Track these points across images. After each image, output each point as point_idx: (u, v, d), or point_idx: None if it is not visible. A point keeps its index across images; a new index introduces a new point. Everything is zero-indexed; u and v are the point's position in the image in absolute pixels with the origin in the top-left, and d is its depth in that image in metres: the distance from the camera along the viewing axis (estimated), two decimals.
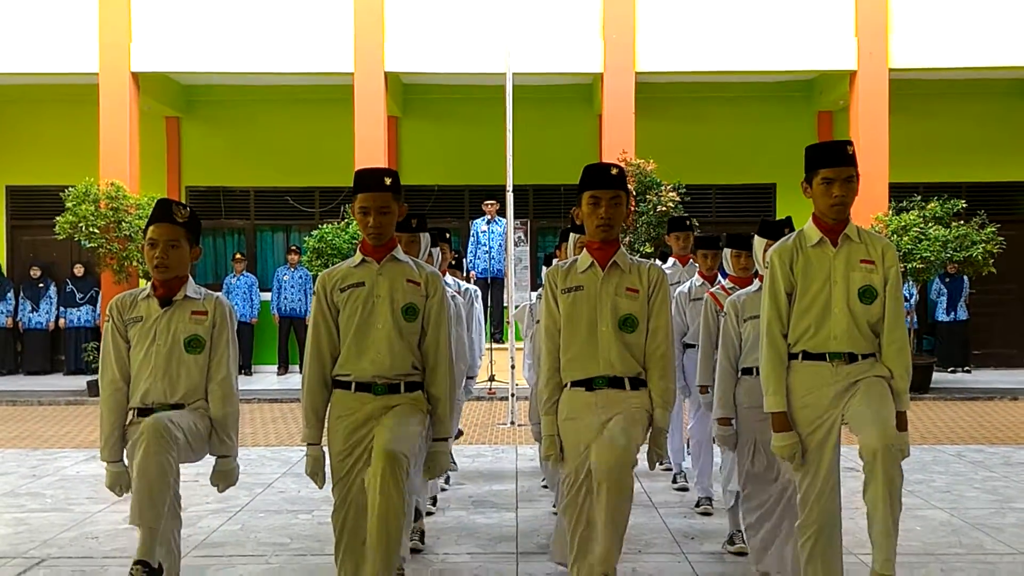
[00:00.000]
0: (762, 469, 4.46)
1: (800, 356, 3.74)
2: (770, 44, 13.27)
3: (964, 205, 12.41)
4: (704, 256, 6.30)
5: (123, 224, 12.53)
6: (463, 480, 7.08)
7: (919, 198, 12.57)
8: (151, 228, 3.78)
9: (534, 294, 8.98)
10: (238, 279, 14.37)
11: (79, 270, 14.70)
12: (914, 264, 11.77)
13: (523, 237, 14.67)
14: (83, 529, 5.68)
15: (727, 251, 5.34)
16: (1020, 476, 7.19)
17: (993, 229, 12.13)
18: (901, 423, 3.71)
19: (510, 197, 10.97)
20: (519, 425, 10.05)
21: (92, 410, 11.05)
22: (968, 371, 14.37)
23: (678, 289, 6.38)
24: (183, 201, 14.62)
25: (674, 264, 7.11)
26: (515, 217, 11.51)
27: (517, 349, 10.66)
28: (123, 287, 12.51)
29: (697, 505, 6.07)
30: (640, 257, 3.94)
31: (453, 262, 7.22)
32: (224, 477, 3.93)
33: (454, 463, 7.19)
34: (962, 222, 12.21)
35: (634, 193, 12.46)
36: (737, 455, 4.64)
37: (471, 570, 4.89)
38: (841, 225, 3.76)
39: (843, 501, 3.84)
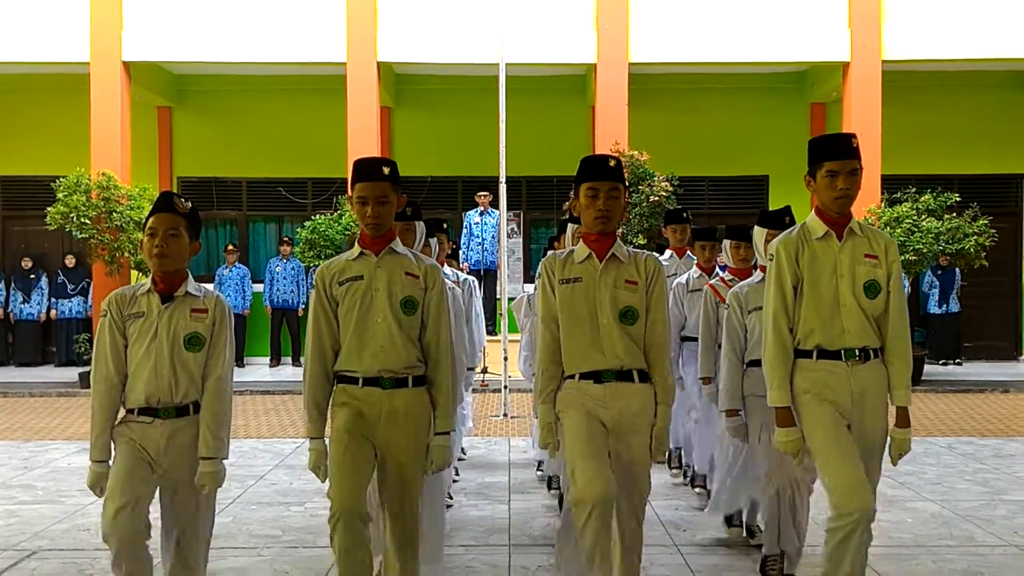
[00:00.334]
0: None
1: (815, 354, 3.69)
2: (763, 35, 13.26)
3: (957, 198, 12.43)
4: (702, 248, 6.30)
5: (114, 215, 12.47)
6: (457, 473, 7.08)
7: (912, 190, 12.59)
8: (151, 218, 3.70)
9: (529, 286, 8.97)
10: (230, 270, 14.33)
11: (70, 261, 14.65)
12: (906, 256, 11.79)
13: (516, 229, 14.69)
14: (74, 521, 5.67)
15: (727, 242, 5.33)
16: (1010, 468, 7.23)
17: (985, 222, 12.16)
18: (903, 419, 3.71)
19: (503, 188, 10.95)
20: (512, 417, 10.06)
21: (83, 402, 11.02)
22: (959, 363, 14.41)
23: (676, 281, 6.36)
24: (175, 191, 14.68)
25: (671, 256, 7.09)
26: (508, 209, 11.49)
27: (510, 341, 10.66)
28: (115, 278, 12.48)
29: (692, 482, 6.07)
30: (634, 248, 3.91)
31: (450, 252, 7.21)
32: (211, 479, 3.74)
33: (464, 453, 7.20)
34: (955, 214, 12.24)
35: (627, 184, 12.44)
36: (749, 444, 4.65)
37: (464, 562, 4.89)
38: (845, 219, 3.74)
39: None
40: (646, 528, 5.42)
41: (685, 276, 6.40)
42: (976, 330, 14.98)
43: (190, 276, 3.82)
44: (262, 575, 4.70)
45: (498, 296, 12.15)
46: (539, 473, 6.84)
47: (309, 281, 12.91)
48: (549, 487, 6.32)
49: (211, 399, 3.74)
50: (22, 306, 14.62)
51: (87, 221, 12.32)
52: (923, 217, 12.10)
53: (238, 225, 15.50)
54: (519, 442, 8.42)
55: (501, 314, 10.99)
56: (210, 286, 3.92)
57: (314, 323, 3.75)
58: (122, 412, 3.80)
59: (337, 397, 3.75)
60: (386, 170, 3.72)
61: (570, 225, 5.52)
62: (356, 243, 3.81)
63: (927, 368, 13.11)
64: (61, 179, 12.57)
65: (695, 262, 6.47)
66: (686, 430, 6.41)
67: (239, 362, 14.24)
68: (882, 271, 3.71)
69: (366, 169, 3.72)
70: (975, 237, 11.99)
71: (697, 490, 6.31)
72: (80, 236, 12.54)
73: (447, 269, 6.17)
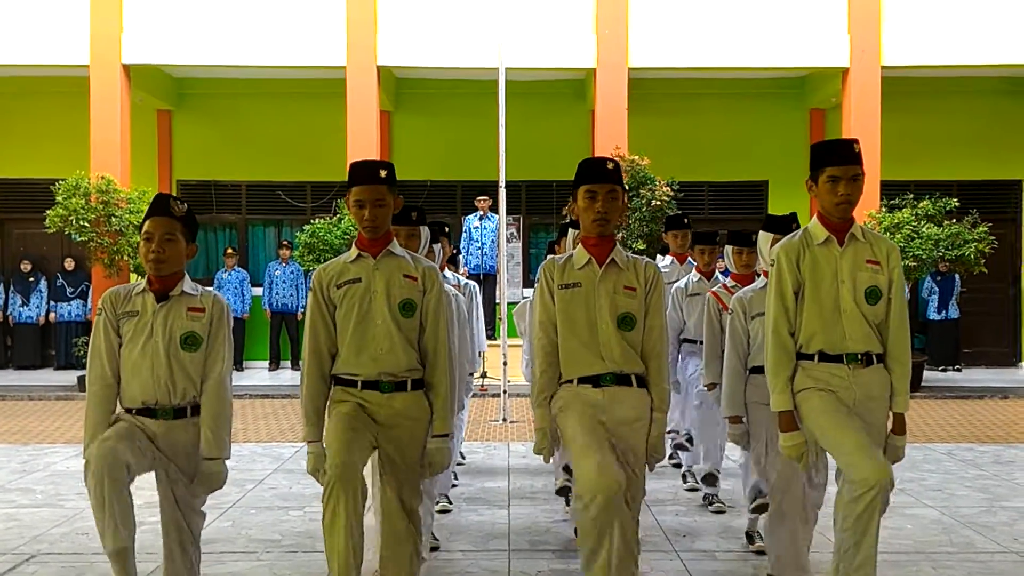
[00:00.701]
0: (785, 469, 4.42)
1: (816, 357, 3.70)
2: (763, 41, 13.27)
3: (956, 204, 12.43)
4: (702, 252, 6.30)
5: (113, 218, 12.46)
6: (456, 477, 7.06)
7: (911, 196, 12.60)
8: (147, 222, 3.70)
9: (530, 291, 8.95)
10: (229, 274, 14.31)
11: (70, 264, 14.64)
12: (906, 262, 11.78)
13: (515, 233, 14.68)
14: (73, 525, 5.65)
15: (729, 248, 5.32)
16: (1010, 474, 7.22)
17: (985, 228, 12.16)
18: (899, 427, 3.71)
19: (503, 193, 10.95)
20: (511, 422, 10.05)
21: (82, 405, 10.95)
22: (959, 370, 14.40)
23: (675, 285, 6.37)
24: (174, 195, 14.67)
25: (671, 262, 7.10)
26: (507, 213, 11.49)
27: (510, 346, 10.65)
28: (114, 281, 12.46)
29: (704, 479, 6.03)
30: (633, 254, 3.91)
31: (450, 256, 7.20)
32: (210, 480, 3.75)
33: (462, 457, 7.16)
34: (954, 220, 12.24)
35: (627, 189, 12.43)
36: (752, 453, 4.62)
37: (463, 567, 4.88)
38: (847, 224, 3.74)
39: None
40: (647, 533, 5.43)
41: (684, 280, 6.41)
42: (975, 336, 14.97)
43: (187, 276, 3.83)
44: None
45: (497, 301, 12.14)
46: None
47: (308, 285, 12.92)
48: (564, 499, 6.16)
49: (211, 399, 3.73)
50: (21, 309, 14.60)
51: (86, 224, 12.31)
52: (923, 223, 12.10)
53: (237, 229, 15.49)
54: (518, 447, 8.41)
55: (500, 319, 10.98)
56: (209, 290, 3.90)
57: (311, 326, 3.73)
58: (119, 409, 3.79)
59: (336, 395, 3.74)
60: (383, 173, 3.71)
61: (571, 230, 5.51)
62: (354, 245, 3.80)
63: (927, 374, 13.11)
64: (60, 182, 12.55)
65: (695, 267, 6.47)
66: (696, 422, 6.34)
67: (238, 366, 14.22)
68: (883, 277, 3.70)
69: (363, 172, 3.72)
70: (975, 243, 11.98)
71: (687, 485, 6.46)
72: (79, 239, 12.52)
73: (447, 273, 6.16)
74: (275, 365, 14.37)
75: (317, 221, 12.60)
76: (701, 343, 5.86)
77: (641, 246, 12.07)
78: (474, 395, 11.76)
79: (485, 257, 13.53)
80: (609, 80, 13.16)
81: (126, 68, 13.28)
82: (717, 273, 6.39)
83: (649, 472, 3.83)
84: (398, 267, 3.76)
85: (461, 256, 13.37)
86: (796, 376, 3.73)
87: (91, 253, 12.68)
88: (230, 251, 14.54)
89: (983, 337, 15.06)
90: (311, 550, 5.11)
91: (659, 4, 13.30)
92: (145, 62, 13.47)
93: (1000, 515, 5.94)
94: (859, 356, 3.66)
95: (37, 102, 14.86)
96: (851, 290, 3.68)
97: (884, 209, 12.56)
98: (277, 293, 14.23)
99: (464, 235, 13.85)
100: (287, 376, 13.66)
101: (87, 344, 3.85)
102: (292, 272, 14.16)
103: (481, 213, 13.71)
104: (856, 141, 3.78)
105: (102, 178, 12.66)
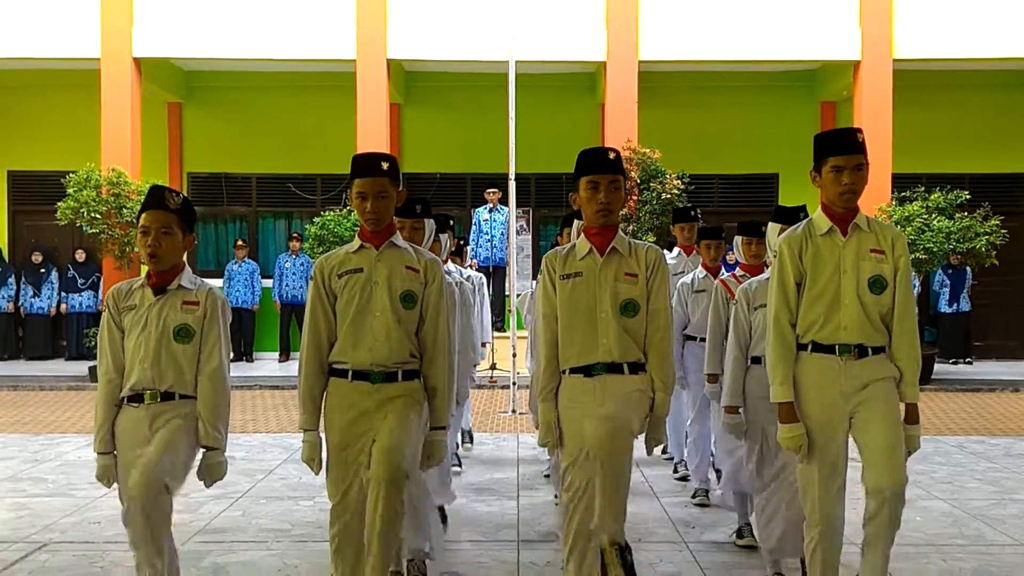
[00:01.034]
0: (775, 460, 4.42)
1: (809, 347, 3.69)
2: (774, 33, 13.22)
3: (968, 196, 12.38)
4: (707, 247, 6.25)
5: (124, 210, 12.52)
6: (464, 468, 7.08)
7: (923, 189, 12.55)
8: (143, 215, 3.71)
9: (534, 282, 8.95)
10: (239, 265, 14.35)
11: (81, 255, 14.71)
12: (917, 255, 11.75)
13: (525, 226, 14.67)
14: (85, 514, 5.68)
15: (738, 238, 5.30)
16: (1021, 467, 7.20)
17: (997, 221, 12.11)
18: (912, 416, 3.69)
19: (512, 185, 10.94)
20: (520, 413, 10.06)
21: (93, 395, 11.04)
22: (970, 362, 14.36)
23: (680, 280, 6.33)
24: (184, 187, 14.73)
25: (679, 254, 7.07)
26: (517, 206, 11.49)
27: (519, 337, 10.66)
28: (124, 273, 12.53)
29: (693, 496, 6.07)
30: (635, 240, 3.88)
31: (453, 249, 7.19)
32: (211, 471, 3.77)
33: (459, 461, 7.11)
34: (965, 213, 12.19)
35: (637, 181, 12.43)
36: (747, 445, 4.62)
37: (473, 558, 4.89)
38: (851, 214, 3.70)
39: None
40: (654, 526, 5.44)
41: (690, 276, 6.36)
42: (987, 329, 14.93)
43: (187, 268, 3.83)
44: (271, 569, 4.70)
45: (507, 293, 12.14)
46: (548, 471, 6.80)
47: None
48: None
49: (208, 392, 3.74)
50: (32, 300, 14.67)
51: (97, 216, 12.38)
52: (934, 216, 12.05)
53: (247, 221, 15.53)
54: (527, 438, 8.42)
55: (510, 311, 10.98)
56: (217, 281, 3.90)
57: (311, 315, 3.74)
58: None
59: (329, 399, 3.74)
60: (385, 165, 3.70)
61: (575, 221, 5.50)
62: (356, 236, 3.80)
63: (937, 367, 13.07)
64: (71, 174, 12.63)
65: (701, 261, 6.44)
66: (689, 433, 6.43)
67: (248, 357, 14.28)
68: (888, 266, 3.67)
69: (365, 164, 3.71)
70: (986, 236, 11.94)
71: (676, 475, 6.57)
72: (90, 231, 12.59)
73: (451, 266, 6.15)
74: (285, 356, 14.41)
75: (327, 213, 12.63)
76: (702, 340, 5.86)
77: (651, 239, 12.05)
78: (483, 386, 11.84)
79: (495, 249, 13.53)
80: (619, 73, 13.13)
81: (136, 61, 13.32)
82: (723, 269, 6.36)
83: (647, 456, 3.81)
84: (400, 259, 3.75)
85: (470, 248, 13.38)
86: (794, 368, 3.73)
87: (102, 245, 12.75)
88: (240, 243, 14.57)
89: (994, 330, 15.01)
90: (321, 540, 5.12)
91: None
92: (155, 55, 13.52)
93: (1010, 508, 5.92)
94: (852, 347, 3.64)
95: (48, 95, 14.91)
96: (853, 280, 3.65)
97: (895, 202, 12.52)
98: (287, 285, 14.26)
99: (474, 227, 13.86)
100: (297, 367, 13.65)
101: (99, 335, 3.87)
102: (302, 264, 14.19)
103: (491, 206, 13.71)
104: (860, 130, 3.74)
105: (113, 170, 12.72)
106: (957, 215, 12.13)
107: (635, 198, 12.49)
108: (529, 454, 7.69)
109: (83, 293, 14.65)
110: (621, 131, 12.82)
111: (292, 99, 14.96)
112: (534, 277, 14.35)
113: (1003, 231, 12.10)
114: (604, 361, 3.67)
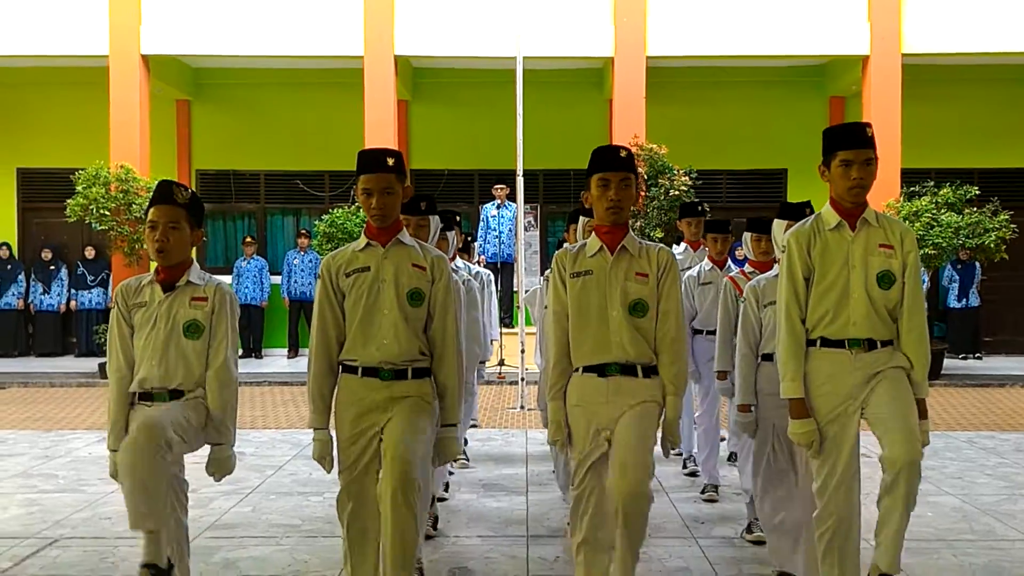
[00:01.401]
0: (783, 460, 4.41)
1: (819, 343, 3.68)
2: (782, 28, 13.19)
3: (977, 191, 12.34)
4: (714, 240, 6.25)
5: (133, 207, 12.54)
6: (473, 464, 7.10)
7: (932, 184, 12.52)
8: (151, 210, 3.72)
9: (541, 279, 8.95)
10: (248, 262, 14.38)
11: (90, 252, 14.75)
12: (926, 250, 11.72)
13: (533, 222, 14.66)
14: (95, 510, 5.71)
15: (747, 235, 5.29)
16: None
17: (1006, 216, 12.08)
18: (921, 411, 3.68)
19: (520, 181, 10.94)
20: (529, 409, 10.07)
21: (103, 392, 11.10)
22: (979, 358, 14.32)
23: (687, 273, 6.33)
24: (193, 184, 14.76)
25: (685, 249, 7.06)
26: (525, 202, 11.49)
27: (527, 334, 10.66)
28: (134, 269, 12.56)
29: (702, 492, 6.07)
30: (648, 241, 3.88)
31: (461, 245, 7.20)
32: (219, 465, 3.81)
33: (466, 456, 7.15)
34: (975, 208, 12.15)
35: (645, 177, 12.42)
36: (756, 443, 4.61)
37: (482, 553, 4.90)
38: (859, 209, 3.69)
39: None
40: (664, 521, 5.44)
41: (696, 268, 6.37)
42: (996, 324, 14.89)
43: (195, 264, 3.85)
44: (281, 564, 4.71)
45: (515, 289, 12.15)
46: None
47: None
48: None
49: (216, 387, 3.76)
50: (42, 297, 14.73)
51: (106, 213, 12.41)
52: (943, 211, 12.02)
53: (256, 217, 15.57)
54: (536, 434, 8.42)
55: (518, 307, 11.00)
56: (226, 278, 3.92)
57: (319, 314, 3.74)
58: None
59: (340, 395, 3.74)
60: (391, 161, 3.70)
61: (582, 218, 5.50)
62: (363, 234, 3.80)
63: (947, 363, 13.04)
64: (81, 171, 12.66)
65: (707, 254, 6.44)
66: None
67: (257, 353, 14.31)
68: (897, 261, 3.66)
69: (371, 160, 3.71)
70: (995, 231, 11.90)
71: (686, 471, 6.50)
72: (99, 228, 12.63)
73: (459, 262, 6.16)
74: (294, 353, 14.44)
75: (335, 210, 12.65)
76: (709, 332, 5.86)
77: (659, 235, 12.04)
78: (492, 382, 11.84)
79: (503, 246, 13.53)
80: (627, 69, 13.12)
81: (145, 58, 13.35)
82: (729, 262, 6.36)
83: (665, 458, 3.81)
84: (407, 256, 3.74)
85: (477, 244, 13.39)
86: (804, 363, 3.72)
87: (111, 241, 12.79)
88: (249, 240, 14.60)
89: (1004, 325, 14.97)
90: (330, 535, 5.14)
91: None
92: (164, 52, 13.54)
93: (1021, 503, 5.91)
94: (862, 342, 3.64)
95: (57, 92, 14.95)
96: (862, 276, 3.64)
97: (903, 197, 12.49)
98: (296, 281, 14.29)
99: (481, 224, 13.86)
100: (305, 364, 13.63)
101: (108, 332, 3.88)
102: (310, 260, 14.21)
103: (499, 202, 13.71)
104: (869, 125, 3.73)
105: (122, 167, 12.75)
106: (966, 210, 12.10)
107: (643, 194, 12.48)
108: (538, 450, 7.69)
109: (92, 290, 14.70)
110: (628, 127, 12.80)
111: (300, 96, 14.98)
112: (542, 273, 14.34)
113: (1012, 226, 12.05)
114: (619, 361, 3.66)
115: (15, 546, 4.96)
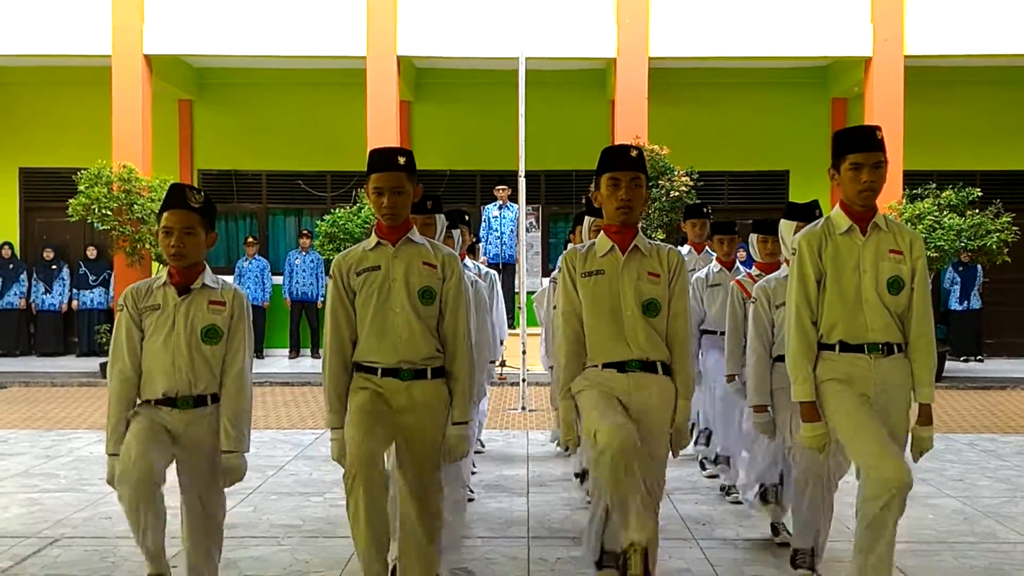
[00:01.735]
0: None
1: (837, 347, 3.67)
2: (785, 30, 13.18)
3: (979, 193, 12.34)
4: (720, 241, 6.26)
5: (135, 207, 12.55)
6: (475, 465, 7.09)
7: (934, 186, 12.51)
8: (165, 215, 3.68)
9: (547, 279, 8.94)
10: (250, 263, 14.38)
11: (92, 252, 14.76)
12: (928, 253, 11.71)
13: (535, 223, 14.67)
14: (96, 509, 5.71)
15: (753, 237, 5.29)
16: None
17: (1008, 218, 12.07)
18: (926, 417, 3.68)
19: (522, 182, 10.93)
20: (530, 410, 10.06)
21: (104, 391, 11.04)
22: (981, 360, 14.31)
23: (695, 275, 6.32)
24: (195, 184, 14.75)
25: (689, 251, 7.06)
26: (527, 203, 11.48)
27: (528, 335, 10.66)
28: (136, 269, 12.57)
29: (728, 493, 6.00)
30: (655, 241, 3.89)
31: (469, 244, 7.20)
32: (230, 473, 3.78)
33: (482, 445, 7.19)
34: (977, 211, 12.14)
35: (648, 176, 12.40)
36: (777, 437, 4.62)
37: (483, 554, 4.90)
38: (870, 213, 3.68)
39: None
40: (666, 522, 5.43)
41: (705, 270, 6.37)
42: (998, 327, 14.86)
43: (208, 268, 3.82)
44: (282, 565, 4.71)
45: (516, 290, 12.14)
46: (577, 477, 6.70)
47: (328, 273, 12.94)
48: (581, 481, 6.22)
49: (231, 394, 3.74)
50: (44, 297, 14.73)
51: (108, 213, 12.41)
52: (945, 213, 12.01)
53: (258, 218, 15.57)
54: (537, 435, 8.42)
55: (520, 308, 10.98)
56: (229, 278, 3.91)
57: (332, 314, 3.73)
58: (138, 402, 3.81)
59: (355, 383, 3.73)
60: (401, 160, 3.69)
61: (587, 217, 5.50)
62: (373, 233, 3.79)
63: (948, 365, 13.04)
64: (83, 171, 12.66)
65: (715, 257, 6.44)
66: (715, 411, 6.33)
67: (258, 354, 14.31)
68: (906, 267, 3.66)
69: (381, 159, 3.70)
70: (997, 233, 11.89)
71: (719, 467, 6.24)
72: (101, 228, 12.63)
73: (468, 262, 6.15)
74: (295, 353, 14.44)
75: (337, 210, 12.64)
76: (722, 334, 5.84)
77: (661, 236, 12.03)
78: (493, 383, 11.82)
79: (504, 246, 13.53)
80: (629, 69, 13.11)
81: (147, 58, 13.35)
82: (738, 263, 6.36)
83: (673, 458, 3.82)
84: (417, 255, 3.74)
85: (480, 245, 13.39)
86: (818, 367, 3.70)
87: (113, 241, 12.78)
88: (250, 240, 14.61)
89: (1005, 327, 14.95)
90: (331, 536, 5.14)
91: None
92: (166, 52, 13.54)
93: (1022, 505, 5.91)
94: (880, 346, 3.63)
95: (59, 92, 14.96)
96: (873, 280, 3.64)
97: (906, 199, 12.48)
98: (297, 282, 14.29)
99: (483, 224, 13.85)
100: (307, 364, 13.72)
101: (109, 331, 3.87)
102: (312, 261, 14.21)
103: (500, 202, 13.71)
104: (879, 128, 3.72)
105: (124, 167, 12.75)
106: (968, 212, 12.09)
107: (647, 190, 12.45)
108: (539, 451, 7.69)
109: (94, 290, 14.70)
110: (631, 128, 12.79)
111: (303, 96, 14.98)
112: (544, 274, 14.34)
113: (1014, 228, 12.04)
114: (639, 359, 3.67)
115: (16, 545, 4.97)
